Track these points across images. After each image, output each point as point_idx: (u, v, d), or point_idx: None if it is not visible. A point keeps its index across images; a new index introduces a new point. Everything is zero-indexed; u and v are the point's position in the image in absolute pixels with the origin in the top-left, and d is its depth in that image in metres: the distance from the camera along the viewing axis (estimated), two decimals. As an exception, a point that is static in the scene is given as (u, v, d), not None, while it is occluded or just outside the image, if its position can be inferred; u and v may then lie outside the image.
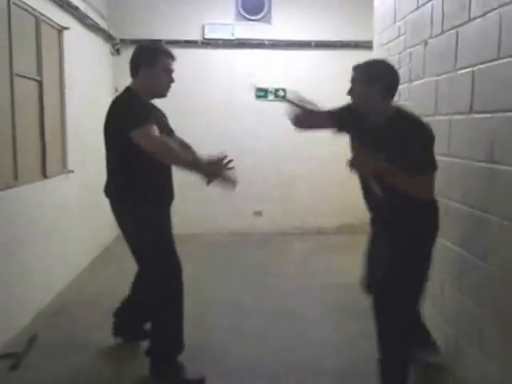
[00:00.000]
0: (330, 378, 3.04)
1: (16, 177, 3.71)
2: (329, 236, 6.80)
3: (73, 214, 4.89)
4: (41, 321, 3.85)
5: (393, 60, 4.17)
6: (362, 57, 6.25)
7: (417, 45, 3.63)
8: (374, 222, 2.96)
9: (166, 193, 3.05)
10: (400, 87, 3.99)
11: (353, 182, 7.55)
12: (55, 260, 4.41)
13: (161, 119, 3.00)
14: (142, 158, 2.75)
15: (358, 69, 2.75)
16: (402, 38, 3.97)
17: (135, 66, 2.97)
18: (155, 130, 2.74)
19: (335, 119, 2.87)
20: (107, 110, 2.94)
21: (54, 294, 4.36)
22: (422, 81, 3.56)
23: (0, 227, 3.40)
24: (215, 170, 2.81)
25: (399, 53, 4.01)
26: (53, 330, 3.70)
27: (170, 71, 2.99)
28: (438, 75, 3.27)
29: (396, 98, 4.09)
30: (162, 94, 3.02)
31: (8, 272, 3.51)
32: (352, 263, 5.45)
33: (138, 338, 3.36)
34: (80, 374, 3.08)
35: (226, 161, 2.85)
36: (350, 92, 2.75)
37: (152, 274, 2.98)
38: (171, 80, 3.00)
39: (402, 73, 3.94)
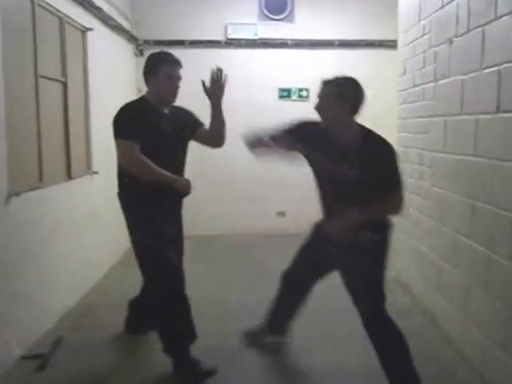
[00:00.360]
0: (359, 379, 3.03)
1: (41, 178, 3.74)
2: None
3: (97, 216, 4.91)
4: (66, 323, 3.86)
5: (417, 59, 4.13)
6: (386, 56, 6.39)
7: (442, 43, 3.58)
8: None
9: (158, 192, 3.07)
10: (425, 86, 3.98)
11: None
12: (79, 261, 4.43)
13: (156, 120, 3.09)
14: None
15: (328, 85, 2.76)
16: (426, 36, 3.92)
17: (144, 76, 3.19)
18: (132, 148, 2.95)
19: (296, 139, 2.78)
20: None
21: (78, 296, 4.37)
22: (447, 80, 3.51)
23: (25, 228, 3.42)
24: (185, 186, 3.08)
25: (424, 52, 3.96)
26: (78, 331, 3.71)
27: (172, 78, 3.12)
28: (463, 74, 3.21)
29: (420, 98, 4.08)
30: (168, 100, 3.16)
31: (33, 274, 3.53)
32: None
33: (148, 328, 3.49)
34: (105, 376, 3.09)
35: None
36: (318, 107, 2.71)
37: (145, 273, 3.14)
38: (174, 86, 3.13)
39: (427, 72, 3.91)
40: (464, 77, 3.20)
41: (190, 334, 3.07)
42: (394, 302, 4.23)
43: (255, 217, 6.83)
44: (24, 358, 3.25)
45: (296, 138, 2.74)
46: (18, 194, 3.27)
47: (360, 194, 2.58)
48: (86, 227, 4.61)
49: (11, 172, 3.23)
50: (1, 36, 3.13)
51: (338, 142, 2.65)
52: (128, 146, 2.96)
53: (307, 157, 2.77)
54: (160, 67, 3.10)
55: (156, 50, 6.44)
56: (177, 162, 3.22)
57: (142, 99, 3.22)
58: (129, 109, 3.13)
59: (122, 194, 3.18)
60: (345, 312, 3.27)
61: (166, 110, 3.16)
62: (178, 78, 3.16)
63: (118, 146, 3.03)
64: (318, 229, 2.95)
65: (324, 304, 4.03)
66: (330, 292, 3.59)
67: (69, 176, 4.32)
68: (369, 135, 2.71)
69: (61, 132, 4.24)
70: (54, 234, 3.89)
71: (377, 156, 2.57)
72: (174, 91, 3.14)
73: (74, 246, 4.32)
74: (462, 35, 3.23)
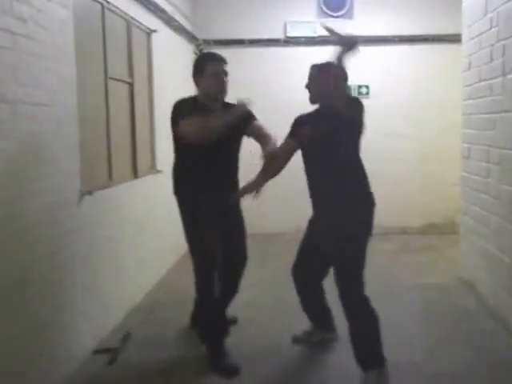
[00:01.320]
0: (423, 379, 2.97)
1: (110, 177, 3.88)
2: (412, 236, 6.62)
3: (161, 213, 5.00)
4: (133, 318, 3.96)
5: (484, 53, 4.02)
6: (448, 51, 6.24)
7: (511, 37, 3.46)
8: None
9: (203, 181, 3.20)
10: (492, 81, 3.86)
11: (437, 182, 7.42)
12: (145, 258, 4.54)
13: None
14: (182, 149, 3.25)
15: (314, 67, 3.09)
16: (494, 30, 3.81)
17: (193, 78, 3.31)
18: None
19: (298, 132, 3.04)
20: None
21: (144, 292, 4.48)
22: (517, 74, 3.40)
23: (95, 225, 3.53)
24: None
25: (491, 45, 3.85)
26: (145, 327, 3.81)
27: (217, 74, 3.17)
28: (536, 68, 3.10)
29: (487, 93, 3.96)
30: (217, 96, 3.22)
31: (102, 270, 3.64)
32: (434, 264, 5.39)
33: None
34: (173, 370, 3.17)
35: None
36: (306, 86, 3.08)
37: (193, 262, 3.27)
38: (221, 82, 3.18)
39: (495, 66, 3.79)
40: (537, 71, 3.09)
41: (222, 330, 3.27)
42: (458, 303, 4.19)
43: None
44: (96, 352, 3.36)
45: (298, 131, 3.01)
46: (90, 193, 3.38)
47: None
48: (149, 225, 4.72)
49: (84, 171, 3.36)
50: (74, 39, 3.27)
51: (331, 114, 2.89)
52: (186, 121, 3.03)
53: (310, 142, 2.95)
54: (205, 66, 3.19)
55: (215, 49, 6.68)
56: (230, 160, 3.31)
57: (193, 98, 3.31)
58: (182, 101, 3.26)
59: (178, 193, 3.33)
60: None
61: (218, 108, 3.20)
62: (225, 74, 3.20)
63: (178, 131, 3.12)
64: (312, 224, 3.22)
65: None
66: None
67: (135, 175, 4.45)
68: (350, 99, 3.07)
69: (128, 132, 4.38)
70: (120, 232, 4.01)
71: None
72: (221, 87, 3.19)
73: (139, 243, 4.42)
74: (534, 28, 3.12)
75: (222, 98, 3.24)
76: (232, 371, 3.09)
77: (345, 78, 2.97)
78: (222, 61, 3.22)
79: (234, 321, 3.67)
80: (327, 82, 2.89)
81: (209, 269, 3.20)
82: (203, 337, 3.35)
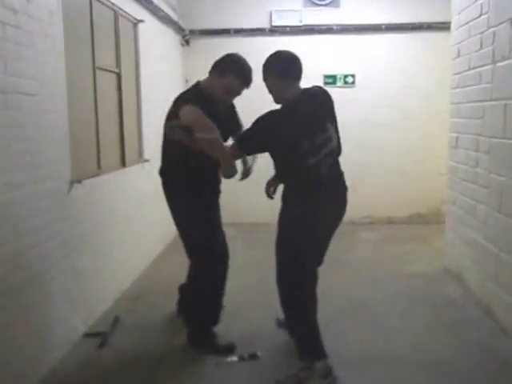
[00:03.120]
0: (411, 369, 2.98)
1: (99, 166, 3.87)
2: (398, 226, 6.66)
3: (148, 202, 5.03)
4: (121, 304, 4.02)
5: (473, 41, 4.03)
6: (436, 39, 6.24)
7: (502, 23, 3.47)
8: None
9: (205, 177, 3.18)
10: (481, 69, 3.87)
11: (423, 171, 7.45)
12: (133, 246, 4.58)
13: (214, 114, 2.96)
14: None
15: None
16: (483, 17, 3.82)
17: (214, 65, 3.11)
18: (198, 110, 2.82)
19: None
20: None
21: (132, 279, 4.53)
22: (507, 61, 3.40)
23: (84, 213, 3.56)
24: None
25: (481, 33, 3.86)
26: (133, 313, 3.86)
27: (232, 92, 3.09)
28: (527, 55, 3.11)
29: (476, 81, 3.98)
30: (218, 101, 3.11)
31: (92, 256, 3.68)
32: (420, 253, 5.44)
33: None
34: (161, 354, 3.21)
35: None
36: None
37: (192, 255, 3.28)
38: (228, 99, 3.16)
39: (484, 54, 3.81)
40: (527, 58, 3.11)
41: (215, 318, 3.29)
42: (444, 291, 4.24)
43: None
44: (87, 335, 3.46)
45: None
46: (79, 181, 3.40)
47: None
48: (137, 213, 4.74)
49: (74, 160, 3.36)
50: (63, 29, 3.25)
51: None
52: (193, 107, 2.84)
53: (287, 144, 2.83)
54: (228, 73, 3.03)
55: (202, 39, 6.67)
56: None
57: (195, 87, 3.17)
58: (194, 92, 3.12)
59: (168, 180, 3.25)
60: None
61: (220, 101, 3.15)
62: (238, 94, 3.14)
63: (183, 112, 2.86)
64: None
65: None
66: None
67: (123, 164, 4.44)
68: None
69: (116, 121, 4.36)
70: (109, 219, 4.03)
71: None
72: (226, 100, 3.17)
73: (127, 231, 4.46)
74: (525, 14, 3.13)
75: (224, 104, 3.19)
76: (230, 348, 3.17)
77: (287, 73, 2.88)
78: (246, 83, 3.09)
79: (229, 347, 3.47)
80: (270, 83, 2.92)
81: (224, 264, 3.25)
82: (190, 321, 3.33)
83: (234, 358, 3.09)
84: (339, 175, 2.98)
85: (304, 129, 2.76)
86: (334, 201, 2.91)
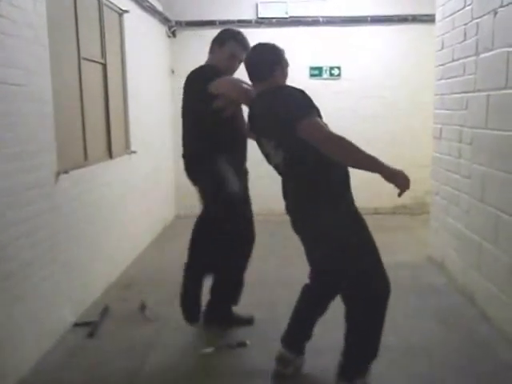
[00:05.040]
0: (393, 355, 3.00)
1: (86, 157, 3.87)
2: (384, 216, 6.71)
3: (136, 193, 5.05)
4: (111, 294, 4.06)
5: (457, 32, 4.07)
6: (421, 31, 6.29)
7: (485, 15, 3.51)
8: None
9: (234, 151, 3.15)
10: (465, 61, 3.92)
11: (407, 163, 7.50)
12: (122, 236, 4.60)
13: None
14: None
15: None
16: (468, 8, 3.85)
17: (211, 44, 3.21)
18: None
19: None
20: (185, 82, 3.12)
21: (121, 269, 4.56)
22: (491, 53, 3.45)
23: (72, 204, 3.56)
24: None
25: (465, 24, 3.90)
26: (123, 302, 3.88)
27: (234, 58, 3.11)
28: (509, 46, 3.15)
29: (460, 72, 4.03)
30: (224, 73, 3.09)
31: (80, 247, 3.69)
32: (405, 243, 5.49)
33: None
34: (150, 342, 3.24)
35: None
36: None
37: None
38: (233, 66, 3.14)
39: (468, 45, 3.85)
40: (509, 49, 3.14)
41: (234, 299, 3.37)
42: (428, 280, 4.30)
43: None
44: (76, 325, 3.48)
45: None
46: (66, 172, 3.40)
47: None
48: (126, 203, 4.75)
49: (60, 150, 3.35)
50: (47, 19, 3.22)
51: None
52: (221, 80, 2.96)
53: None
54: (226, 41, 3.14)
55: (188, 31, 6.65)
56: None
57: (209, 65, 3.19)
58: (199, 70, 3.13)
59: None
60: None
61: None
62: (240, 60, 3.10)
63: (213, 90, 2.94)
64: None
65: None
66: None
67: (110, 155, 4.43)
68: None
69: (102, 112, 4.34)
70: (97, 210, 4.03)
71: None
72: (228, 70, 3.13)
73: (116, 221, 4.47)
74: (508, 5, 3.16)
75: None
76: (249, 319, 3.41)
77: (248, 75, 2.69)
78: (244, 46, 3.10)
79: (250, 319, 3.48)
80: None
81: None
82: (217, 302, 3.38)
83: (210, 350, 3.11)
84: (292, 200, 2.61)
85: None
86: None
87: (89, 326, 3.42)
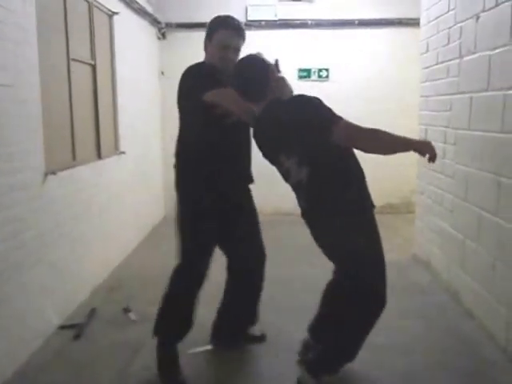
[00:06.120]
0: (378, 353, 3.05)
1: (74, 157, 3.89)
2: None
3: (125, 194, 5.06)
4: (98, 296, 4.04)
5: (441, 36, 4.15)
6: (407, 35, 6.38)
7: (468, 19, 3.59)
8: None
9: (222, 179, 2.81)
10: (449, 63, 4.00)
11: (394, 163, 7.51)
12: (110, 237, 4.60)
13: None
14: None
15: None
16: (451, 12, 3.93)
17: (204, 41, 2.81)
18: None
19: None
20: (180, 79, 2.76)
21: (109, 270, 4.55)
22: (473, 56, 3.52)
23: (60, 205, 3.56)
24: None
25: (449, 28, 3.98)
26: (110, 304, 3.88)
27: (228, 47, 2.70)
28: (491, 50, 3.22)
29: (444, 75, 4.10)
30: (224, 71, 2.67)
31: (67, 248, 3.69)
32: (390, 241, 5.50)
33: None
34: (136, 345, 3.22)
35: None
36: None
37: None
38: (228, 57, 2.69)
39: (452, 48, 3.93)
40: (491, 52, 3.22)
41: (181, 333, 2.90)
42: (413, 278, 4.37)
43: (273, 196, 6.88)
44: (62, 327, 3.46)
45: None
46: (54, 173, 3.40)
47: None
48: (114, 205, 4.76)
49: (48, 151, 3.37)
50: (36, 20, 3.24)
51: None
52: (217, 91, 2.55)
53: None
54: (214, 32, 2.72)
55: (178, 32, 6.69)
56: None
57: (199, 64, 2.80)
58: (194, 68, 2.76)
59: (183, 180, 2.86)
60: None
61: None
62: (235, 49, 2.73)
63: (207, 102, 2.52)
64: None
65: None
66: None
67: (98, 156, 4.45)
68: None
69: (91, 113, 4.37)
70: (85, 211, 4.04)
71: None
72: (224, 64, 2.69)
73: (104, 222, 4.47)
74: (489, 9, 3.23)
75: (227, 74, 2.64)
76: (262, 336, 3.18)
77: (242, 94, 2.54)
78: (235, 30, 2.71)
79: (262, 337, 3.25)
80: None
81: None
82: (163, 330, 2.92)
83: (201, 349, 3.13)
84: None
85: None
86: None
87: (75, 328, 3.41)
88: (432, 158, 2.38)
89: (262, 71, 2.50)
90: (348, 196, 2.45)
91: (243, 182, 2.95)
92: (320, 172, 2.42)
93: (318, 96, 2.43)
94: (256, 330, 3.21)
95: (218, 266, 3.00)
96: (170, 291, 2.88)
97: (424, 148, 2.41)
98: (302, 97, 2.46)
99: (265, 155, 2.60)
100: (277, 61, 2.59)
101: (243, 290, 3.07)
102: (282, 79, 2.56)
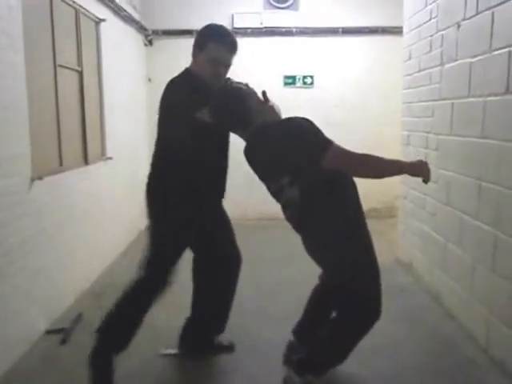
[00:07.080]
0: (360, 355, 2.97)
1: (61, 163, 3.89)
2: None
3: (111, 199, 5.07)
4: (84, 301, 4.04)
5: (424, 44, 4.23)
6: (389, 42, 6.47)
7: (449, 27, 3.67)
8: None
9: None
10: (431, 70, 4.08)
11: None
12: (96, 243, 4.60)
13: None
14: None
15: None
16: (433, 20, 4.01)
17: (192, 47, 2.69)
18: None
19: None
20: (164, 90, 2.71)
21: (95, 276, 4.55)
22: (454, 63, 3.60)
23: (46, 210, 3.56)
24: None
25: (431, 36, 4.06)
26: (96, 309, 3.81)
27: (219, 62, 2.61)
28: (471, 57, 3.30)
29: (426, 82, 4.18)
30: (211, 85, 2.58)
31: (53, 254, 3.68)
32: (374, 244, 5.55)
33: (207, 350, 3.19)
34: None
35: None
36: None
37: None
38: (218, 72, 2.62)
39: (434, 56, 4.01)
40: (472, 59, 3.29)
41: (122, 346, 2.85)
42: (395, 280, 4.42)
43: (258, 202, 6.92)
44: (48, 332, 3.46)
45: None
46: (40, 178, 3.40)
47: None
48: (100, 210, 4.77)
49: (34, 157, 3.37)
50: (22, 27, 3.26)
51: None
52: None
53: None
54: (207, 44, 2.60)
55: (165, 40, 6.73)
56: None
57: (192, 74, 2.67)
58: (181, 84, 2.65)
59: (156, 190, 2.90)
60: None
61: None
62: (226, 66, 2.65)
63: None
64: None
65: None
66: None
67: (85, 161, 4.47)
68: None
69: (77, 119, 4.38)
70: (71, 217, 4.03)
71: None
72: (214, 79, 2.60)
73: (90, 228, 4.47)
74: (470, 18, 3.31)
75: (212, 88, 2.56)
76: (230, 346, 3.14)
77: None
78: (229, 47, 2.61)
79: (230, 347, 3.21)
80: None
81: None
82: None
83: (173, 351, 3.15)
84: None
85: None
86: None
87: (61, 333, 3.41)
88: (425, 181, 2.41)
89: (238, 102, 2.46)
90: (342, 213, 2.45)
91: (219, 197, 2.97)
92: (313, 192, 2.41)
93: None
94: (224, 338, 3.19)
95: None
96: (128, 301, 2.90)
97: (417, 171, 2.42)
98: (291, 121, 2.44)
99: (258, 176, 2.61)
100: (264, 92, 2.55)
101: (215, 295, 3.05)
102: (271, 108, 2.54)
